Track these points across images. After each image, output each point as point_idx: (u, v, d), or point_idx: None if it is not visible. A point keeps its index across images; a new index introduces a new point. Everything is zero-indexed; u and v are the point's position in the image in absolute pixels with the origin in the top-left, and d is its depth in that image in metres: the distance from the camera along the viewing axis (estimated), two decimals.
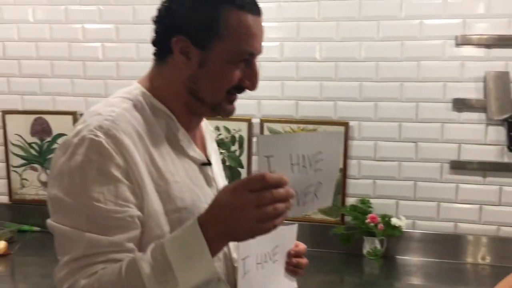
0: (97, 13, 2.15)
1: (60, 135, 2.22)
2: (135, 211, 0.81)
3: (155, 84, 0.91)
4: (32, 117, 2.24)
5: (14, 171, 2.29)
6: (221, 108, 0.92)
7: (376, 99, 1.98)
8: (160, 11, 0.89)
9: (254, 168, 2.07)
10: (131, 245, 0.80)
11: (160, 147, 0.88)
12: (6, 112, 2.27)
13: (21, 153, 2.27)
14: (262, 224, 0.73)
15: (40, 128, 2.24)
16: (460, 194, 1.96)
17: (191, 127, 0.96)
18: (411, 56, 1.93)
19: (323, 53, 2.00)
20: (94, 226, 0.77)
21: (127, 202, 0.80)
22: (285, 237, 1.02)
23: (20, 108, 2.27)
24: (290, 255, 1.04)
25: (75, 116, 2.20)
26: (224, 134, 2.07)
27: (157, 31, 0.90)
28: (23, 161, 2.28)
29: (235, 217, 0.73)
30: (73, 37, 2.17)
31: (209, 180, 0.97)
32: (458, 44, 1.89)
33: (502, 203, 1.94)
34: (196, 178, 0.94)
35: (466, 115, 1.92)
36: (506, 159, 1.91)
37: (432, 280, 1.81)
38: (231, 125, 2.06)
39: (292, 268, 1.04)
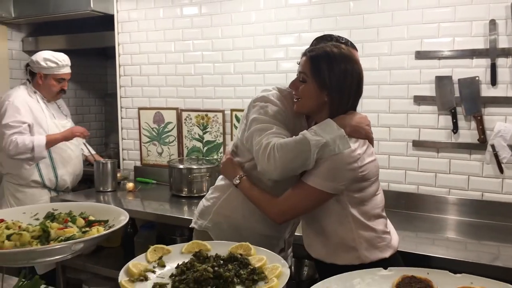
0: (191, 45, 3.40)
1: (169, 122, 3.51)
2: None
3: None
4: (154, 111, 3.58)
5: (143, 145, 3.66)
6: None
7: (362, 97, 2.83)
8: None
9: None
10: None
11: (289, 120, 1.76)
12: (140, 109, 3.65)
13: (147, 134, 3.63)
14: None
15: (158, 118, 3.57)
16: (420, 165, 2.71)
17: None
18: (385, 67, 2.75)
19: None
20: (277, 126, 1.68)
21: (284, 127, 1.71)
22: None
23: (148, 106, 3.63)
24: None
25: (177, 111, 3.47)
26: None
27: None
28: (148, 139, 3.63)
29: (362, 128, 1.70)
30: (177, 60, 3.45)
31: None
32: (416, 58, 2.67)
33: (451, 172, 2.64)
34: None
35: (423, 108, 2.68)
36: (453, 140, 2.62)
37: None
38: None
39: None
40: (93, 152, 3.48)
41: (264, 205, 1.73)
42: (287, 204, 1.66)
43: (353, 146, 1.59)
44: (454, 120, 2.58)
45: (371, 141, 1.74)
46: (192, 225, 2.00)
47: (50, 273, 2.80)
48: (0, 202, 3.17)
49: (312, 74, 1.62)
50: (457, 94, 2.56)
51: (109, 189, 3.23)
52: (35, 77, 3.14)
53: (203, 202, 2.02)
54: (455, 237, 2.41)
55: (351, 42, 1.86)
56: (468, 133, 2.58)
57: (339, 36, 1.87)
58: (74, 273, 3.20)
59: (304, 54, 1.67)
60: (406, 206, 2.72)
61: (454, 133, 2.60)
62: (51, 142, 3.06)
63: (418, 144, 2.70)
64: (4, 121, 2.97)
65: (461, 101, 2.55)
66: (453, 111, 2.58)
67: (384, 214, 1.74)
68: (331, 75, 1.60)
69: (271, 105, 1.76)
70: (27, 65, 3.20)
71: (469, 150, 2.58)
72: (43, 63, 3.07)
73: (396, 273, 1.24)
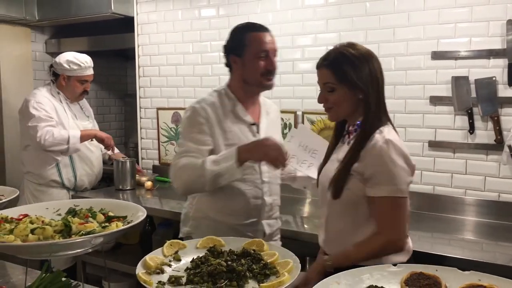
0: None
1: None
2: (209, 142, 1.88)
3: (229, 83, 2.01)
4: (172, 111, 3.64)
5: (162, 145, 3.72)
6: (263, 85, 1.93)
7: None
8: (223, 48, 1.98)
9: None
10: (206, 152, 1.85)
11: (227, 115, 1.94)
12: (159, 109, 3.72)
13: (166, 134, 3.69)
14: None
15: (176, 118, 3.63)
16: (436, 165, 2.71)
17: (248, 104, 1.99)
18: (401, 67, 2.76)
19: None
20: (193, 142, 1.88)
21: (206, 135, 1.87)
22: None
23: (166, 106, 3.69)
24: None
25: None
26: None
27: (226, 59, 1.98)
28: (166, 139, 3.70)
29: (257, 152, 1.78)
30: (194, 61, 3.51)
31: (254, 134, 1.98)
32: (433, 58, 2.67)
33: (467, 173, 2.63)
34: (245, 132, 1.96)
35: (439, 108, 2.68)
36: (469, 140, 2.61)
37: None
38: (283, 115, 3.14)
39: None
40: (116, 151, 3.55)
41: (380, 248, 1.61)
42: (394, 227, 1.61)
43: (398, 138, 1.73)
44: (471, 121, 2.57)
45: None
46: (180, 235, 2.09)
47: (66, 271, 2.87)
48: (19, 200, 3.26)
49: (339, 80, 1.63)
50: (473, 94, 2.55)
51: (128, 187, 3.30)
52: (58, 79, 3.22)
53: (183, 211, 2.14)
54: (471, 238, 2.40)
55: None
56: (484, 134, 2.56)
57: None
58: (94, 269, 3.28)
59: (319, 66, 1.69)
60: (422, 207, 2.72)
61: (471, 133, 2.58)
62: (84, 137, 3.14)
63: (434, 145, 2.70)
64: (36, 114, 3.02)
65: (478, 101, 2.54)
66: (469, 111, 2.57)
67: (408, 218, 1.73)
68: (357, 73, 1.62)
69: (193, 117, 1.89)
70: (51, 66, 3.29)
71: (486, 151, 2.57)
72: (66, 65, 3.14)
73: (404, 270, 1.26)
